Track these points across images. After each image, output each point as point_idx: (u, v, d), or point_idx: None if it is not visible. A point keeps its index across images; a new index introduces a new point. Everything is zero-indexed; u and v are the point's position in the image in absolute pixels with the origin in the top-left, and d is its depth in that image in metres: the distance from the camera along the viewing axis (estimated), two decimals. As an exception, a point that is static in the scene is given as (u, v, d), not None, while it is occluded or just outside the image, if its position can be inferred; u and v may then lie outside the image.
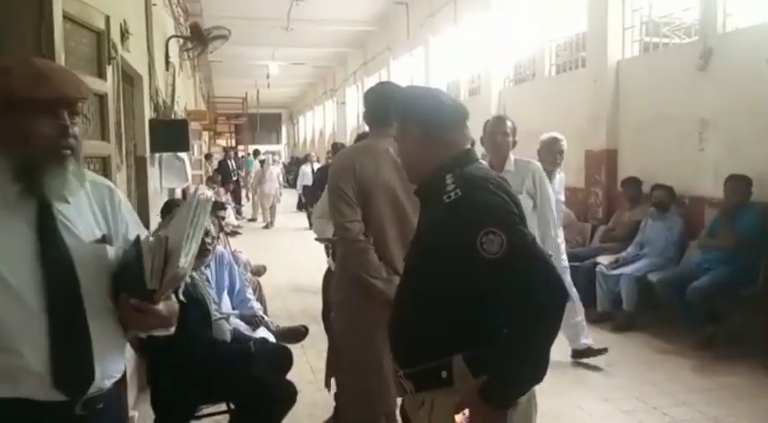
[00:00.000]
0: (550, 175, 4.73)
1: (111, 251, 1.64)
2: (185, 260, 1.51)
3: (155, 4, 5.87)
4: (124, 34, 3.88)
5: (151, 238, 1.63)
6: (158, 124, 5.37)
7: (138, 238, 1.65)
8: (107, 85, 2.63)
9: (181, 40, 8.38)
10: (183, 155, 6.23)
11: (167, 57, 6.96)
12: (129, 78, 4.73)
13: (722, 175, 5.34)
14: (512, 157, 4.04)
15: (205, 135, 18.27)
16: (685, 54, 6.12)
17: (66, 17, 2.27)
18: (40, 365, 1.49)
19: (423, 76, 13.63)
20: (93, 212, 1.66)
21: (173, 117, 6.64)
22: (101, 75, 2.59)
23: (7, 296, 1.48)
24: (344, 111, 22.01)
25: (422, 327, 1.77)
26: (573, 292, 4.72)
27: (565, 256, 4.88)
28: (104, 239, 1.64)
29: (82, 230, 1.60)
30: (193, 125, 9.59)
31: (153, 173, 5.37)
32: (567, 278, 4.77)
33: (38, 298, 1.50)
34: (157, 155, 5.66)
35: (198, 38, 8.14)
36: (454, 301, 1.71)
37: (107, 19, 2.62)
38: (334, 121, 24.29)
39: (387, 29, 15.78)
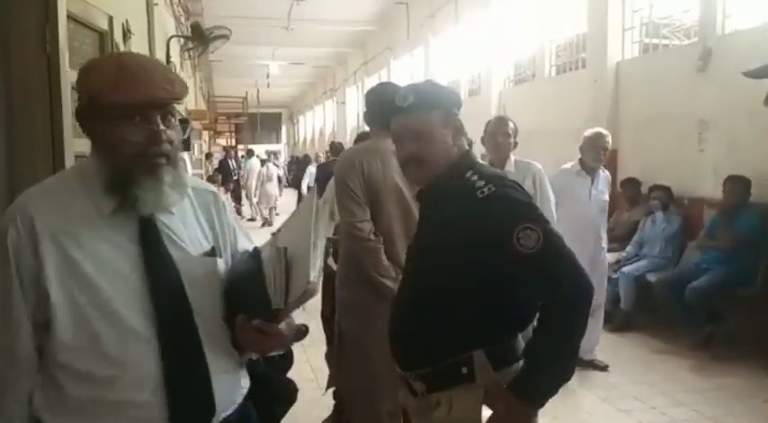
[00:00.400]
0: (593, 173, 4.52)
1: (221, 264, 1.48)
2: (315, 273, 1.31)
3: (156, 4, 5.89)
4: (126, 34, 3.90)
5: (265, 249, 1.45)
6: (159, 123, 5.40)
7: (256, 250, 1.48)
8: (110, 85, 2.65)
9: (182, 40, 8.40)
10: (184, 154, 6.26)
11: (168, 56, 6.98)
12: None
13: (722, 175, 5.36)
14: (512, 157, 4.05)
15: (205, 134, 18.29)
16: (685, 55, 6.14)
17: (70, 17, 2.29)
18: (157, 400, 1.32)
19: (423, 76, 13.65)
20: (198, 222, 1.49)
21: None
22: (104, 74, 2.61)
23: (112, 322, 1.32)
24: (344, 111, 22.04)
25: (437, 325, 1.76)
26: (600, 296, 4.54)
27: (607, 259, 4.79)
28: (213, 252, 1.47)
29: (188, 243, 1.43)
30: (194, 124, 9.60)
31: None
32: (604, 282, 4.69)
33: (146, 323, 1.33)
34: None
35: (199, 37, 8.17)
36: (477, 297, 1.72)
37: (110, 19, 2.64)
38: (334, 120, 24.32)
39: (387, 29, 15.80)
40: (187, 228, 1.45)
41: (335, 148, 9.51)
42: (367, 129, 3.14)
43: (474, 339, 1.74)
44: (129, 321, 1.32)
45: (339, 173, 2.83)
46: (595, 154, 4.47)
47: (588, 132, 4.61)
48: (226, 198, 14.26)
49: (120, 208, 1.36)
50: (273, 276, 1.35)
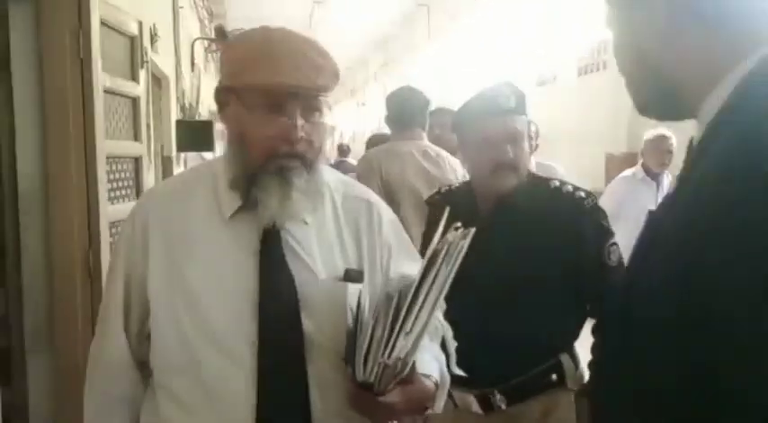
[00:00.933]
0: (657, 178, 4.24)
1: (355, 292, 1.17)
2: (405, 343, 0.99)
3: (182, 7, 6.00)
4: (153, 37, 3.99)
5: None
6: (184, 125, 5.51)
7: (358, 295, 1.14)
8: (140, 89, 2.74)
9: (206, 42, 8.52)
10: (208, 155, 6.36)
11: (193, 59, 7.09)
12: (156, 80, 4.85)
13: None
14: (533, 160, 4.06)
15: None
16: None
17: (103, 23, 2.37)
18: None
19: (444, 79, 13.67)
20: (339, 236, 1.23)
21: (197, 118, 6.77)
22: (134, 78, 2.70)
23: (212, 345, 1.13)
24: (365, 112, 22.12)
25: (534, 333, 1.73)
26: None
27: None
28: (349, 276, 1.19)
29: (319, 261, 1.19)
30: (217, 126, 9.73)
31: (178, 172, 5.50)
32: None
33: (248, 352, 1.13)
34: (182, 155, 5.79)
35: (222, 40, 8.27)
36: (573, 304, 1.79)
37: (140, 24, 2.72)
38: (354, 121, 24.41)
39: (408, 30, 15.85)
40: (321, 242, 1.21)
41: (342, 150, 9.73)
42: (379, 132, 3.20)
43: (562, 345, 1.80)
44: (230, 347, 1.13)
45: (358, 175, 2.89)
46: (660, 157, 4.19)
47: (650, 135, 4.35)
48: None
49: (243, 212, 1.17)
50: (370, 333, 1.02)
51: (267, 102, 1.12)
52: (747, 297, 0.58)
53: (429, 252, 1.04)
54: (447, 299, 1.09)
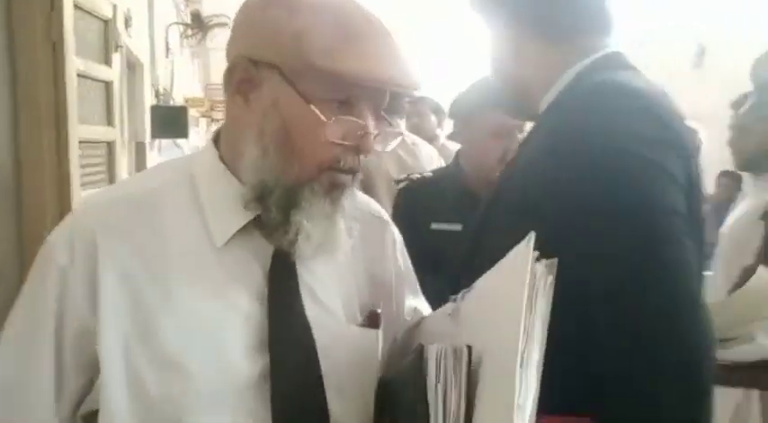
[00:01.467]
0: None
1: (381, 338, 0.91)
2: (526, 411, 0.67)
3: (157, -9, 5.92)
4: (127, 21, 3.93)
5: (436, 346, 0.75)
6: (159, 111, 5.45)
7: (420, 352, 0.75)
8: (113, 73, 2.70)
9: (181, 27, 8.41)
10: (182, 141, 6.31)
11: (167, 44, 7.00)
12: (130, 65, 4.78)
13: (716, 171, 5.43)
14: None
15: (203, 122, 18.27)
16: (681, 51, 6.20)
17: (76, 6, 2.33)
18: None
19: (449, 67, 13.61)
20: (352, 265, 0.95)
21: (171, 104, 6.70)
22: (107, 62, 2.66)
23: (198, 404, 0.80)
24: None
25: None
26: None
27: None
28: (374, 319, 0.92)
29: (338, 300, 0.91)
30: (192, 112, 9.64)
31: (152, 158, 5.44)
32: None
33: (256, 410, 0.81)
34: (156, 141, 5.73)
35: (198, 25, 8.19)
36: None
37: (114, 8, 2.68)
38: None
39: (393, 17, 15.74)
40: (341, 277, 0.92)
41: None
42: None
43: None
44: (229, 405, 0.81)
45: None
46: None
47: None
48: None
49: (242, 236, 0.85)
50: (441, 400, 0.71)
51: (339, 96, 0.82)
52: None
53: (521, 296, 0.72)
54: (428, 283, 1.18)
